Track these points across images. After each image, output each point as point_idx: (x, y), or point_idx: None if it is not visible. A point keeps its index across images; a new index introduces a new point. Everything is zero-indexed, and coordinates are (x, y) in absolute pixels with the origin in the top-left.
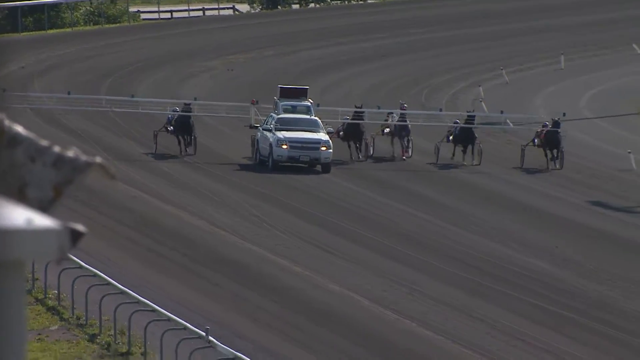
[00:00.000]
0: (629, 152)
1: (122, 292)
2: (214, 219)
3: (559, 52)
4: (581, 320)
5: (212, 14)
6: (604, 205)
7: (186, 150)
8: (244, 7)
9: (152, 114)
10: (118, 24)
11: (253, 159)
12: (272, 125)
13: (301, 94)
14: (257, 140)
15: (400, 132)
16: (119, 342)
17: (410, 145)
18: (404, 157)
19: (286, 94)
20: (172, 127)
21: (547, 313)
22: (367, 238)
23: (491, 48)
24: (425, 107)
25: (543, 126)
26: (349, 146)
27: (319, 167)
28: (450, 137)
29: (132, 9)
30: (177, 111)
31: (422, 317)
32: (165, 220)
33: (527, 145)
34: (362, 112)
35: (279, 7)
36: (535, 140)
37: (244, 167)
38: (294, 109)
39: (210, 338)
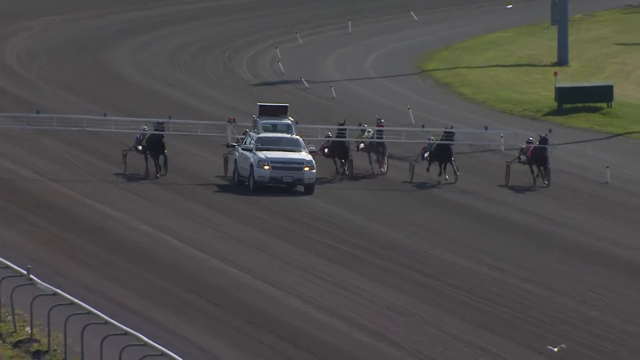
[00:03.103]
0: (409, 108)
1: None
2: (35, 167)
3: (347, 18)
4: (370, 259)
5: None
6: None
7: (159, 171)
8: None
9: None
10: None
11: (226, 177)
12: (252, 145)
13: (281, 111)
14: (236, 160)
15: (377, 148)
16: None
17: (386, 161)
18: (381, 171)
19: (266, 111)
20: (141, 147)
21: (341, 252)
22: (179, 186)
23: (287, 13)
24: (227, 67)
25: (527, 142)
26: (335, 162)
27: (300, 188)
28: (426, 155)
29: None
30: (146, 130)
31: (227, 256)
32: None
33: (512, 162)
34: (345, 129)
35: None
36: (521, 157)
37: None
38: (274, 128)
39: (32, 276)
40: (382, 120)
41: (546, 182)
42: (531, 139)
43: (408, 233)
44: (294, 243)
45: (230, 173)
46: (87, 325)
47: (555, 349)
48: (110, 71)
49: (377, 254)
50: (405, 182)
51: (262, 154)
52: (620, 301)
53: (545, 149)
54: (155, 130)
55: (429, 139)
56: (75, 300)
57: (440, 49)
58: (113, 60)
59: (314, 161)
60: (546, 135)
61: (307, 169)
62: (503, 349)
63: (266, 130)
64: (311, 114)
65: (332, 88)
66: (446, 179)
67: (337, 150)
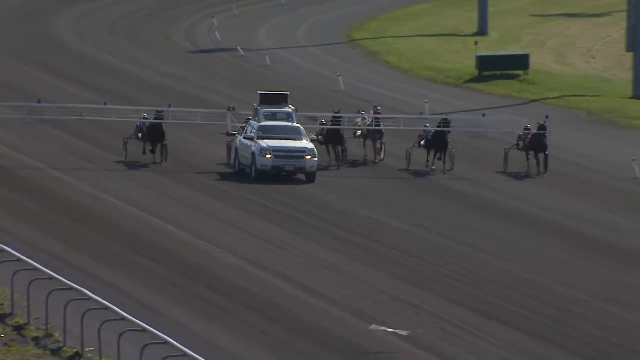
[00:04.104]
0: (338, 75)
1: None
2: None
3: None
4: (306, 219)
5: None
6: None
7: (158, 158)
8: None
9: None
10: None
11: (230, 165)
12: (253, 133)
13: (281, 99)
14: (236, 148)
15: (374, 135)
16: None
17: (383, 148)
18: (376, 160)
19: (266, 100)
20: (141, 135)
21: (276, 212)
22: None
23: None
24: (166, 36)
25: (525, 129)
26: (328, 151)
27: (302, 176)
28: (422, 142)
29: None
30: (146, 118)
31: (168, 216)
32: None
33: (509, 148)
34: (340, 117)
35: None
36: (519, 144)
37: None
38: (274, 116)
39: None
40: (379, 108)
41: (543, 169)
42: (528, 125)
43: (348, 199)
44: (232, 204)
45: (233, 160)
46: (33, 280)
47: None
48: (53, 39)
49: (314, 215)
50: (401, 169)
51: (264, 143)
52: (534, 257)
53: (544, 135)
54: (155, 118)
55: (425, 126)
56: (22, 256)
57: (367, 20)
58: (55, 29)
59: (315, 149)
60: (544, 122)
61: (308, 157)
62: (427, 302)
63: (266, 118)
64: (247, 80)
65: (266, 56)
66: (443, 165)
67: (331, 138)
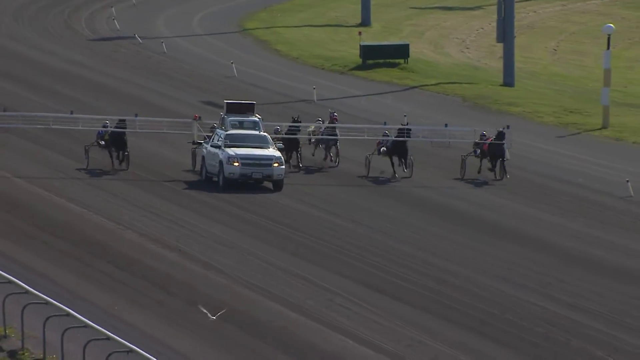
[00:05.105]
0: (232, 63)
1: None
2: None
3: None
4: (213, 202)
5: None
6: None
7: (120, 165)
8: None
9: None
10: None
11: (195, 171)
12: (220, 142)
13: (248, 109)
14: (203, 156)
15: (329, 141)
16: None
17: (338, 154)
18: (331, 165)
19: (233, 109)
20: (103, 142)
21: (177, 193)
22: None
23: None
24: (67, 24)
25: (481, 136)
26: (285, 158)
27: (268, 184)
28: (381, 150)
29: None
30: (108, 126)
31: (70, 195)
32: None
33: (467, 155)
34: (299, 125)
35: None
36: (477, 151)
37: None
38: (241, 125)
39: None
40: (335, 114)
41: (500, 176)
42: (485, 133)
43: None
44: (136, 185)
45: (198, 167)
46: None
47: (212, 316)
48: None
49: (221, 199)
50: (361, 176)
51: (232, 151)
52: (422, 235)
53: (503, 144)
54: (117, 127)
55: (384, 134)
56: None
57: (258, 11)
58: None
59: (282, 157)
60: (503, 129)
61: (276, 165)
62: (318, 276)
63: (234, 127)
64: (145, 67)
65: (163, 44)
66: (404, 171)
67: (288, 146)
